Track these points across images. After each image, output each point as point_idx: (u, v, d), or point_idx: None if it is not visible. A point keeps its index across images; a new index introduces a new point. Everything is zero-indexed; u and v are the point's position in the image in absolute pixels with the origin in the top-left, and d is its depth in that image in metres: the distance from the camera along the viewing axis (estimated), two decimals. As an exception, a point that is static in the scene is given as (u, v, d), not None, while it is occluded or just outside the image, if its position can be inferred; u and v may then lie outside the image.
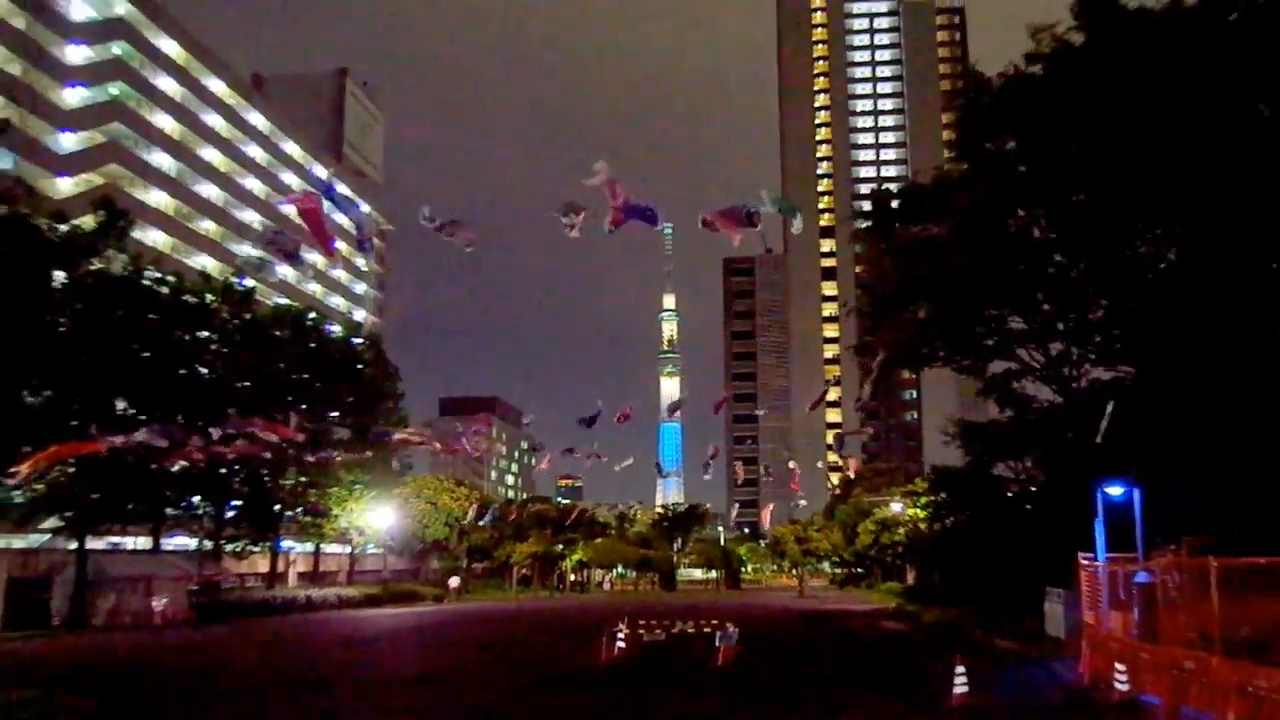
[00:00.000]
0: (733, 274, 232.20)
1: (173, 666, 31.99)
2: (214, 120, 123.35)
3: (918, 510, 79.40)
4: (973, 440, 51.48)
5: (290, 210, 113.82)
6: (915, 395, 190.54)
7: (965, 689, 20.38)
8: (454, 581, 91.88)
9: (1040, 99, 39.93)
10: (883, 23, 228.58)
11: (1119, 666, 21.43)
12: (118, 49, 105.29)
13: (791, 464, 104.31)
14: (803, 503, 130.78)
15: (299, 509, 72.38)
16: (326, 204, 23.73)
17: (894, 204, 52.57)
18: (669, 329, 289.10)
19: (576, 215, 19.74)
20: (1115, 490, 29.00)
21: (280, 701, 22.84)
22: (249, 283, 66.02)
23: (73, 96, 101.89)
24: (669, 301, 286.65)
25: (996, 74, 42.65)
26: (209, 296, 61.35)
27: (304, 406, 67.28)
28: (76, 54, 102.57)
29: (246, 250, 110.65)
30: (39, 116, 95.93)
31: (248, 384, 62.85)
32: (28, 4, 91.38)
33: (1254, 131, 36.02)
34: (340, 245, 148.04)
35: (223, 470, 59.60)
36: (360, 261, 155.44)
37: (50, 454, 39.15)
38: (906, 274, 47.50)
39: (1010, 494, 51.42)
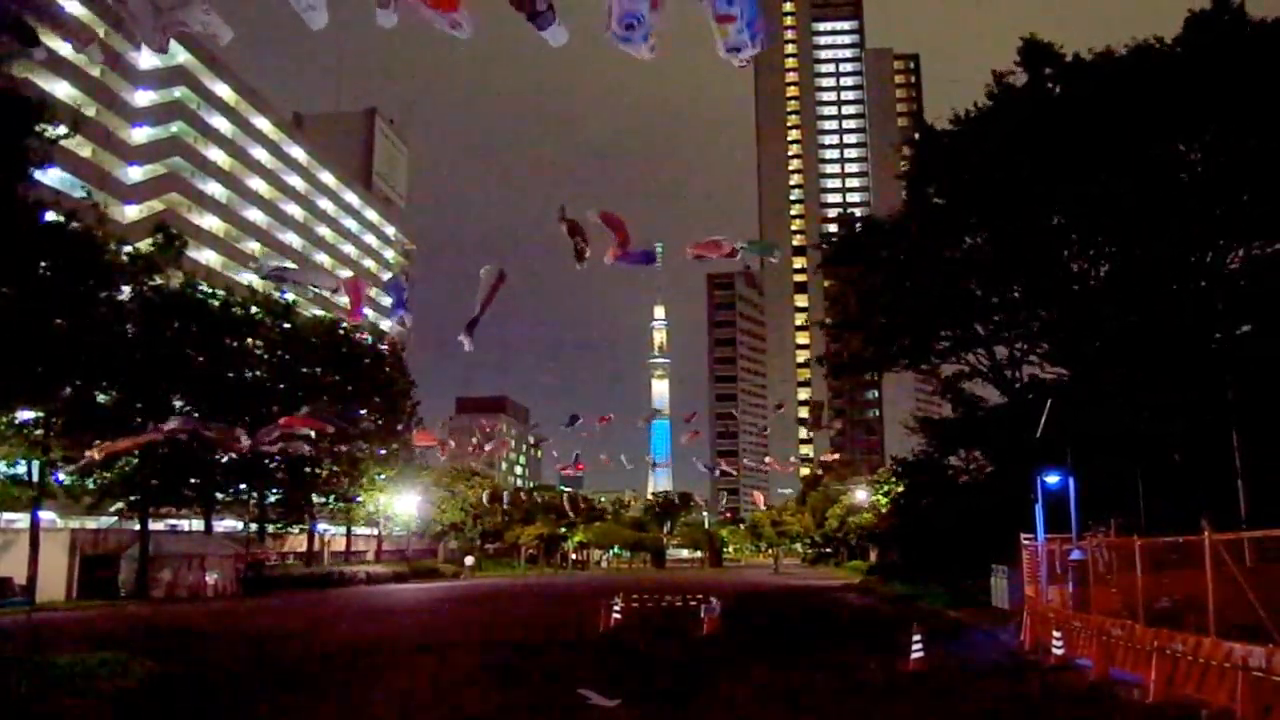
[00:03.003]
0: (715, 288, 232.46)
1: (225, 631, 32.07)
2: (260, 153, 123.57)
3: (880, 497, 79.61)
4: (931, 434, 51.75)
5: (325, 232, 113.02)
6: (876, 395, 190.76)
7: (921, 653, 20.51)
8: (469, 560, 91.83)
9: (987, 136, 40.37)
10: (847, 67, 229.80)
11: (1056, 634, 21.59)
12: (178, 93, 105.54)
13: (767, 458, 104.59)
14: (784, 490, 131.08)
15: (332, 496, 72.57)
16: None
17: (858, 228, 53.04)
18: (659, 336, 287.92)
19: (583, 242, 19.65)
20: (1053, 478, 29.21)
21: (319, 659, 22.96)
22: (290, 296, 66.11)
23: (139, 134, 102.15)
24: (659, 312, 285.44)
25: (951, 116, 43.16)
26: (254, 309, 61.53)
27: (337, 405, 67.46)
28: (143, 98, 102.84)
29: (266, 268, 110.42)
30: (110, 151, 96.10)
31: (287, 385, 62.99)
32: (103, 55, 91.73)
33: (1168, 164, 36.54)
34: (370, 263, 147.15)
35: (266, 461, 59.72)
36: (385, 276, 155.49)
37: (108, 447, 39.27)
38: (871, 291, 47.89)
39: (961, 482, 51.63)
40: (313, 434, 46.05)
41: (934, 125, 45.62)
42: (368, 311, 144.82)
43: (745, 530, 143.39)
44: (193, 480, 55.90)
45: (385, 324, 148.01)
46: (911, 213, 47.07)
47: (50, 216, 39.33)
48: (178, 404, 53.05)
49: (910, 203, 48.01)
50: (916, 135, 49.08)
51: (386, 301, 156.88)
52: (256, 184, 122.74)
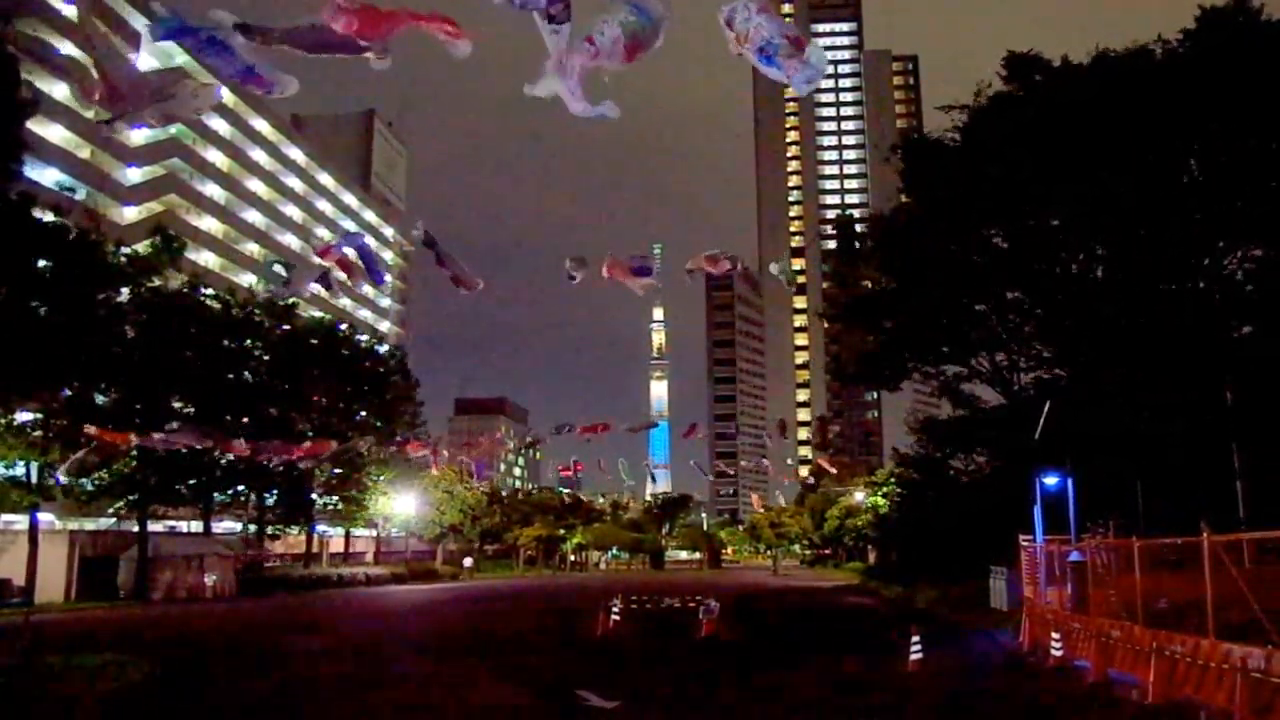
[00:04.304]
0: (714, 289, 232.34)
1: (224, 633, 32.06)
2: (258, 155, 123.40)
3: (878, 499, 79.60)
4: (931, 435, 51.72)
5: (324, 234, 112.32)
6: (875, 396, 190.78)
7: (920, 654, 20.51)
8: (468, 561, 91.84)
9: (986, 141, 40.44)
10: (846, 69, 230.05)
11: (1054, 635, 21.58)
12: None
13: (766, 461, 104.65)
14: (778, 493, 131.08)
15: (332, 497, 72.56)
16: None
17: (858, 229, 52.99)
18: (658, 338, 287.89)
19: (580, 267, 20.56)
20: (1051, 479, 29.21)
21: (322, 660, 22.94)
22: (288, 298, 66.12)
23: (138, 136, 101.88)
24: (658, 313, 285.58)
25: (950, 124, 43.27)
26: (253, 310, 61.52)
27: (336, 407, 67.50)
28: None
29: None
30: (109, 153, 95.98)
31: (286, 387, 63.00)
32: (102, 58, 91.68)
33: (1168, 165, 36.56)
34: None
35: (265, 464, 59.80)
36: (385, 278, 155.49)
37: (98, 437, 39.37)
38: (873, 295, 47.95)
39: (961, 483, 51.61)
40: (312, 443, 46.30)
41: (925, 132, 45.77)
42: (366, 313, 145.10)
43: (744, 532, 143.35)
44: (191, 481, 55.91)
45: (384, 325, 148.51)
46: (909, 217, 47.08)
47: (46, 217, 39.37)
48: (176, 405, 53.12)
49: (908, 206, 48.02)
50: (907, 139, 49.19)
51: (386, 304, 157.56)
52: (255, 186, 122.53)
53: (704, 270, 20.85)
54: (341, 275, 21.40)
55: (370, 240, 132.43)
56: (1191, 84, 35.06)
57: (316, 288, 23.51)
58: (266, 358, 62.33)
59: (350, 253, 21.33)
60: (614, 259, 20.35)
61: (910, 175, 46.32)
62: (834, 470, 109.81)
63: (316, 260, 21.71)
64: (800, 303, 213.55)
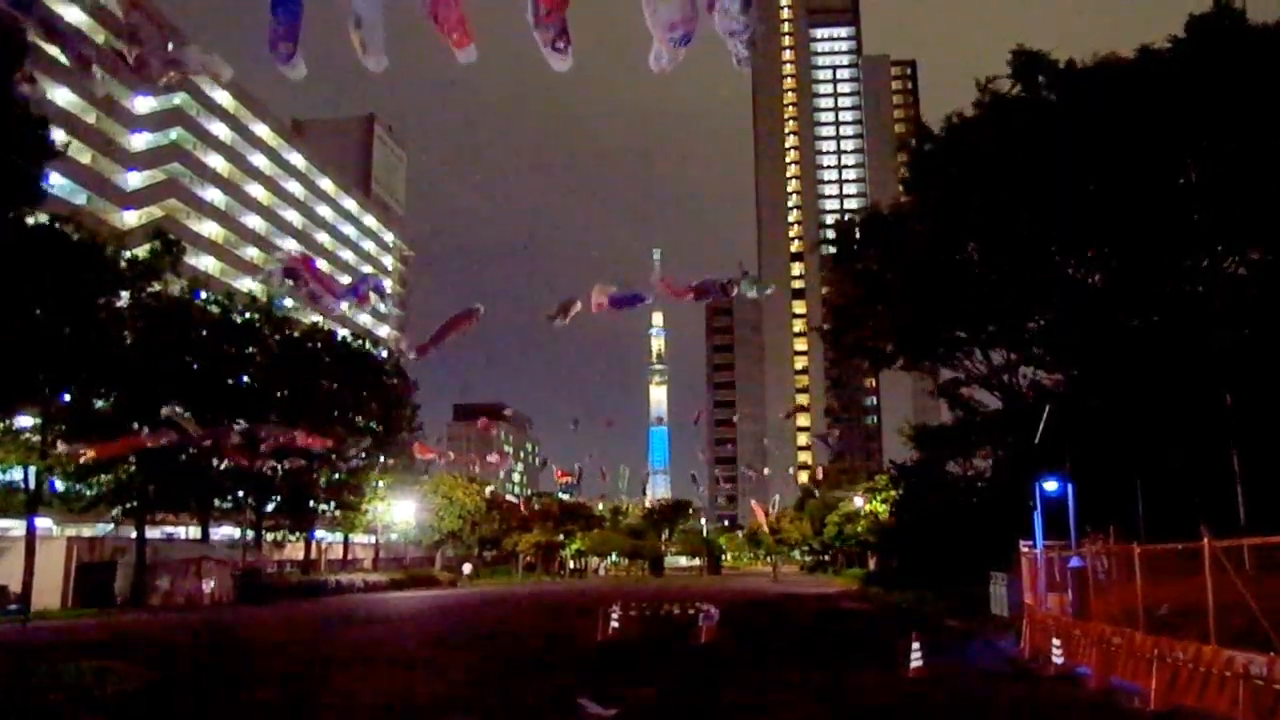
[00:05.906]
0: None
1: (221, 640, 32.01)
2: (258, 160, 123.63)
3: (878, 504, 79.48)
4: (926, 441, 51.64)
5: (324, 239, 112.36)
6: (875, 401, 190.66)
7: (920, 661, 20.42)
8: (466, 568, 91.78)
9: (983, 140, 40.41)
10: (844, 73, 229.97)
11: (1055, 642, 21.51)
12: (178, 99, 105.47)
13: (766, 470, 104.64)
14: (777, 497, 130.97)
15: (331, 504, 72.49)
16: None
17: (857, 231, 52.87)
18: (657, 343, 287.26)
19: (567, 312, 21.22)
20: (1051, 485, 29.14)
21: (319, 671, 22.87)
22: (288, 303, 66.05)
23: (139, 140, 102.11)
24: (657, 319, 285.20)
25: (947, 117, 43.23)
26: (253, 315, 61.45)
27: (335, 413, 67.39)
28: (143, 104, 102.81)
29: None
30: (110, 158, 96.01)
31: (286, 392, 62.88)
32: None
33: (1166, 169, 36.60)
34: (369, 270, 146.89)
35: (264, 469, 59.64)
36: (385, 282, 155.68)
37: (101, 449, 39.25)
38: (868, 290, 47.93)
39: (960, 489, 51.53)
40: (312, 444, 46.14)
41: (930, 129, 45.63)
42: (365, 317, 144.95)
43: (743, 538, 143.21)
44: (190, 487, 55.76)
45: (383, 330, 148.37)
46: (910, 216, 47.07)
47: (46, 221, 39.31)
48: (176, 409, 53.09)
49: (909, 206, 48.02)
50: (914, 140, 49.06)
51: (383, 308, 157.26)
52: (255, 190, 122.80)
53: (698, 296, 21.01)
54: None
55: (370, 245, 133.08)
56: (1185, 89, 35.13)
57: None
58: (266, 364, 62.26)
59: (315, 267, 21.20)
60: (600, 288, 20.57)
61: (914, 171, 46.37)
62: (826, 474, 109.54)
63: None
64: (799, 308, 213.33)
